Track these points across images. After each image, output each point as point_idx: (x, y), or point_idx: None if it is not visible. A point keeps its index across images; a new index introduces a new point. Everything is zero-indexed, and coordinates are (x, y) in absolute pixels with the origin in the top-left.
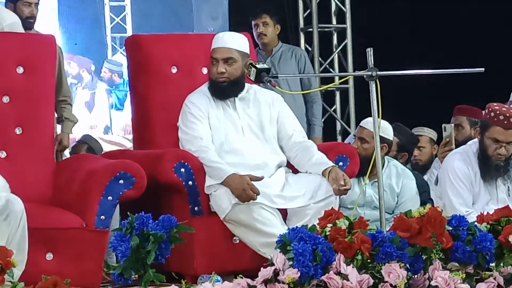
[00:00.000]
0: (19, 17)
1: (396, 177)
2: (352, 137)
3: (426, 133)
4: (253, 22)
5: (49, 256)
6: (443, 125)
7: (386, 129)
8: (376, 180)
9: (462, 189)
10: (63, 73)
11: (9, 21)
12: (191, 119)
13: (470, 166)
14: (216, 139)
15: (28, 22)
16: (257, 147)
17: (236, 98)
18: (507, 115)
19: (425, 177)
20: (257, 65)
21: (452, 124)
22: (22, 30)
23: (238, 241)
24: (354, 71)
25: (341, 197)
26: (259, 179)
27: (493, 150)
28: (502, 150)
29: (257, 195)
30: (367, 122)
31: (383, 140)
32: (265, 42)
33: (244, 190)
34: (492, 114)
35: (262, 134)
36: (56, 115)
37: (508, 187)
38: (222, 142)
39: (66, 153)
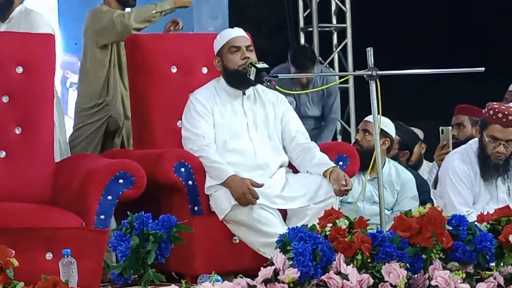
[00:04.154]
0: None
1: (396, 175)
2: None
3: None
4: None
5: (49, 256)
6: (440, 128)
7: (389, 125)
8: (376, 176)
9: (462, 188)
10: None
11: (43, 31)
12: (195, 116)
13: (470, 165)
14: (220, 137)
15: None
16: (260, 147)
17: (244, 95)
18: (506, 113)
19: None
20: (257, 65)
21: (450, 127)
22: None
23: (238, 241)
24: (354, 71)
25: None
26: (259, 185)
27: (492, 149)
28: (501, 148)
29: (256, 199)
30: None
31: (385, 134)
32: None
33: (244, 194)
34: (491, 112)
35: (267, 133)
36: None
37: (508, 186)
38: (225, 140)
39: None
